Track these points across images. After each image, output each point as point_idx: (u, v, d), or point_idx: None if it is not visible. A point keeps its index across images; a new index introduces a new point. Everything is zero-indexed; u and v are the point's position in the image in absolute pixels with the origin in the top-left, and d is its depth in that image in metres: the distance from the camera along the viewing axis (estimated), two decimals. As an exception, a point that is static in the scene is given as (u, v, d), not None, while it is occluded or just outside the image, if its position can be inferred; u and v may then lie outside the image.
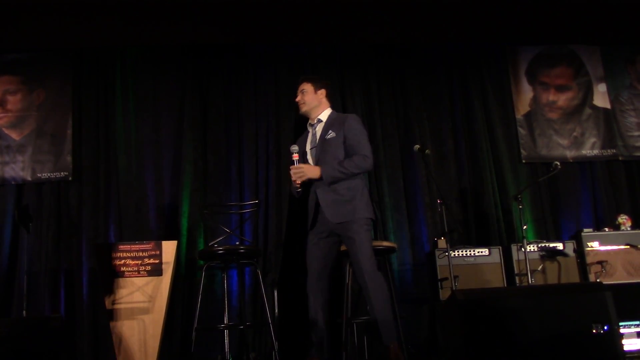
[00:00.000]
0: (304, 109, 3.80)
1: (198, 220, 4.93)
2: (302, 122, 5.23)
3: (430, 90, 5.50)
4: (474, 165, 5.37)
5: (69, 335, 4.60)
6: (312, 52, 5.41)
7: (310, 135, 3.80)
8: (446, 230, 4.32)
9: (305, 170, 3.53)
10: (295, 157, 3.63)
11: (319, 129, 3.75)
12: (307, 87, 3.80)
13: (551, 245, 4.75)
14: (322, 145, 3.65)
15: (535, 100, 5.57)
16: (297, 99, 3.83)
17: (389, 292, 3.60)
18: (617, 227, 4.89)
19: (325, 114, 3.79)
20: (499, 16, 5.20)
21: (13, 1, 4.57)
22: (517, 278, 4.62)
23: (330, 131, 3.66)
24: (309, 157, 3.73)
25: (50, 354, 3.13)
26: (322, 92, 3.81)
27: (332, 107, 3.90)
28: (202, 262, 4.44)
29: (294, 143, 3.80)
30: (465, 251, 4.66)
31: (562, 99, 5.59)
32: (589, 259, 4.69)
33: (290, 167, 3.62)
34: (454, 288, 4.24)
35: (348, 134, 3.62)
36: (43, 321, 3.33)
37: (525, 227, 4.58)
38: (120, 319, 4.28)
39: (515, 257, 4.67)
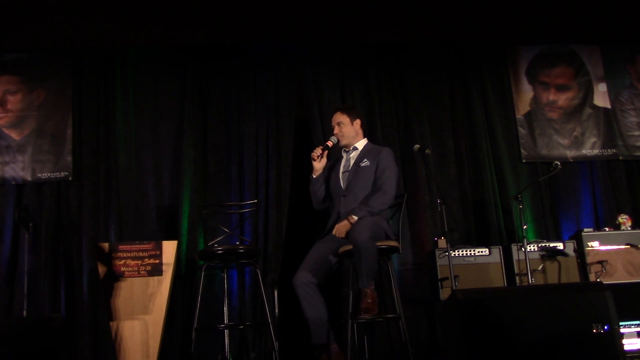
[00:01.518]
0: (343, 142, 3.95)
1: (198, 220, 4.93)
2: (302, 122, 5.26)
3: (430, 90, 5.50)
4: (474, 164, 5.37)
5: (69, 335, 4.59)
6: (312, 52, 5.41)
7: (344, 160, 3.98)
8: (446, 229, 4.32)
9: (344, 228, 3.64)
10: (329, 143, 3.90)
11: (353, 155, 3.95)
12: (344, 119, 3.94)
13: (551, 245, 4.75)
14: (356, 171, 3.85)
15: (535, 100, 5.57)
16: (335, 132, 3.95)
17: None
18: (617, 226, 4.88)
19: (361, 143, 3.99)
20: (499, 16, 5.20)
21: (13, 1, 4.57)
22: (517, 278, 4.61)
23: (365, 159, 3.86)
24: (340, 180, 3.89)
25: (50, 354, 3.13)
26: (357, 123, 3.99)
27: (365, 133, 4.07)
28: (202, 262, 4.45)
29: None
30: (466, 251, 4.66)
31: (563, 99, 5.59)
32: (589, 259, 4.69)
33: (317, 147, 3.90)
34: (454, 288, 4.24)
35: (380, 165, 3.81)
36: (43, 321, 3.33)
37: (525, 226, 4.58)
38: (121, 319, 4.28)
39: (515, 257, 4.66)
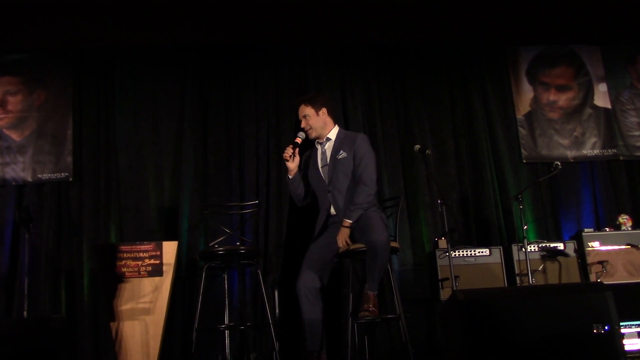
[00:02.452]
0: (313, 135, 3.83)
1: (199, 221, 4.93)
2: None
3: (430, 90, 5.50)
4: (475, 165, 5.37)
5: (69, 336, 4.59)
6: (312, 52, 5.41)
7: (319, 153, 3.86)
8: (447, 230, 4.31)
9: (345, 236, 3.59)
10: (298, 140, 3.78)
11: (328, 147, 3.83)
12: (309, 111, 3.80)
13: (552, 245, 4.74)
14: (334, 164, 3.74)
15: (535, 100, 5.57)
16: (302, 125, 3.83)
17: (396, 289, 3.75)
18: (617, 227, 4.88)
19: (333, 133, 3.85)
20: (499, 16, 5.20)
21: (13, 1, 4.57)
22: (517, 278, 4.62)
23: (341, 151, 3.74)
24: (321, 174, 3.80)
25: (51, 355, 3.14)
26: (323, 112, 3.83)
27: (335, 120, 3.92)
28: (203, 263, 4.45)
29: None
30: (466, 251, 4.66)
31: (563, 99, 5.59)
32: (589, 259, 4.69)
33: (288, 147, 3.77)
34: (454, 288, 4.24)
35: (357, 153, 3.71)
36: (44, 322, 3.34)
37: (525, 227, 4.57)
38: (121, 319, 4.28)
39: (515, 257, 4.66)
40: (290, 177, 3.84)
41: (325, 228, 3.75)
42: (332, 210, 3.74)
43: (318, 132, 3.82)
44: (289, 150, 3.75)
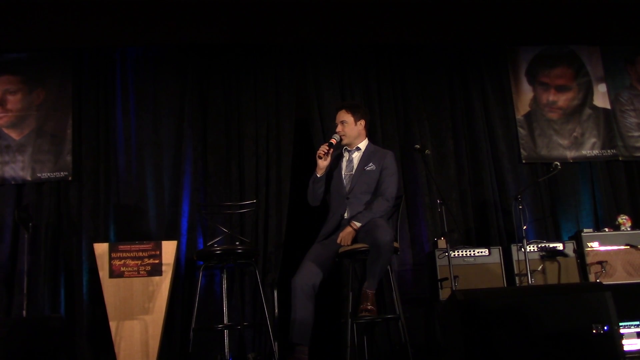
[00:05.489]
0: (345, 141, 3.93)
1: (198, 221, 4.93)
2: (302, 123, 5.26)
3: (430, 90, 5.50)
4: (474, 165, 5.37)
5: (68, 335, 4.59)
6: (312, 52, 5.41)
7: (345, 161, 3.95)
8: (446, 230, 4.32)
9: (349, 235, 3.67)
10: (333, 141, 3.86)
11: (356, 156, 3.94)
12: (348, 119, 3.91)
13: (551, 245, 4.75)
14: (361, 174, 3.84)
15: (535, 100, 5.57)
16: (337, 130, 3.93)
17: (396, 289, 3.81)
18: (617, 227, 4.89)
19: (363, 144, 3.97)
20: (499, 16, 5.20)
21: (13, 1, 4.57)
22: (517, 278, 4.62)
23: (371, 163, 3.86)
24: (343, 182, 3.88)
25: (50, 354, 3.14)
26: (361, 123, 3.95)
27: (368, 134, 4.05)
28: (200, 263, 4.44)
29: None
30: (465, 251, 4.66)
31: (562, 99, 5.59)
32: (588, 259, 4.69)
33: (323, 145, 3.84)
34: (454, 288, 4.24)
35: (384, 170, 3.83)
36: (43, 321, 3.34)
37: (525, 227, 4.58)
38: (120, 319, 4.28)
39: (515, 257, 4.67)
40: (318, 175, 3.87)
41: (337, 230, 3.79)
42: (347, 215, 3.79)
43: (351, 140, 3.93)
44: (324, 148, 3.81)
